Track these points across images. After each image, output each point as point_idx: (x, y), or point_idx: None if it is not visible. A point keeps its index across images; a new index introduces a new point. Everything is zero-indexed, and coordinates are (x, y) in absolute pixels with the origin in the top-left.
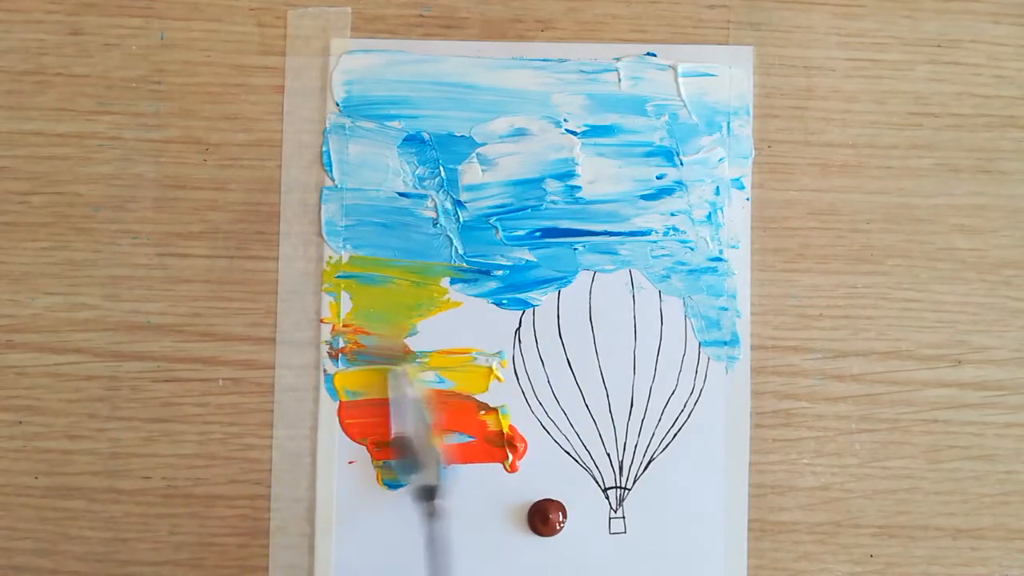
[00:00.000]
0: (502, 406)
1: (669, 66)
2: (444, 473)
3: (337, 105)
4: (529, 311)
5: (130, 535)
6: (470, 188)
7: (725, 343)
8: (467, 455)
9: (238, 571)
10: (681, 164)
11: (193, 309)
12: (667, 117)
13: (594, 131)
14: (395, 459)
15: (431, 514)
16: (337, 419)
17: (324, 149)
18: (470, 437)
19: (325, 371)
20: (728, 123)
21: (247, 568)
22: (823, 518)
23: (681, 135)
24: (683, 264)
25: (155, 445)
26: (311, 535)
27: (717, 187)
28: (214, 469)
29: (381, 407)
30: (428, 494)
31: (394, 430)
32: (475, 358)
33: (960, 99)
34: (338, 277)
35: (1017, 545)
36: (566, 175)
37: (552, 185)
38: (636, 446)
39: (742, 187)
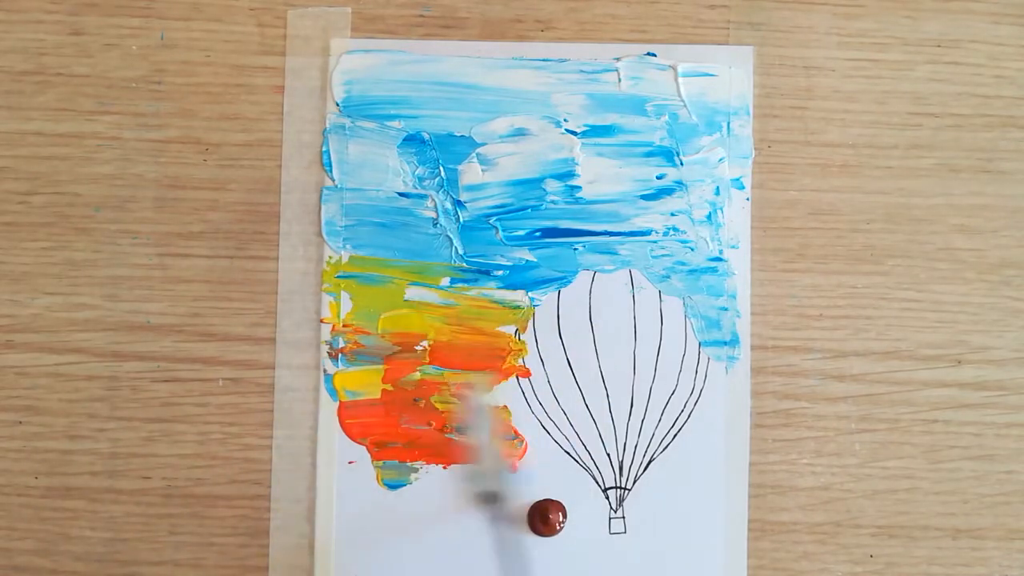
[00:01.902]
0: (504, 406)
1: (669, 66)
2: (507, 478)
3: (337, 105)
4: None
5: (130, 535)
6: (470, 188)
7: (725, 343)
8: (468, 455)
9: (238, 571)
10: (681, 164)
11: (193, 309)
12: (667, 117)
13: (594, 131)
14: (465, 466)
15: (495, 519)
16: (337, 419)
17: (324, 149)
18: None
19: (325, 371)
20: (728, 123)
21: (247, 568)
22: (823, 518)
23: (681, 135)
24: (683, 264)
25: (155, 445)
26: (311, 535)
27: (717, 187)
28: (214, 469)
29: (381, 407)
30: (492, 499)
31: (465, 438)
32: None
33: (960, 99)
34: (338, 277)
35: (1017, 545)
36: (566, 175)
37: (552, 185)
38: (636, 446)
39: (742, 187)
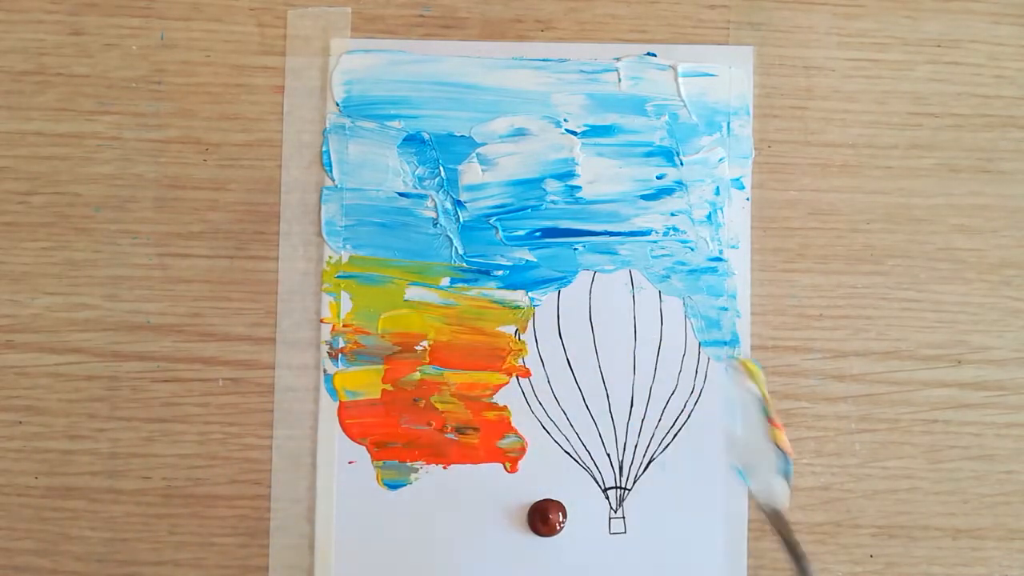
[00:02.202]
0: (504, 407)
1: (669, 66)
2: (787, 473)
3: (337, 105)
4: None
5: (130, 535)
6: (470, 188)
7: (725, 343)
8: (468, 455)
9: (238, 571)
10: (681, 164)
11: (193, 309)
12: (667, 117)
13: (594, 131)
14: (736, 461)
15: (781, 524)
16: (337, 419)
17: (324, 149)
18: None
19: (325, 371)
20: (728, 123)
21: (247, 568)
22: (823, 518)
23: (681, 135)
24: (683, 264)
25: (155, 445)
26: (311, 535)
27: (717, 187)
28: (214, 469)
29: (381, 407)
30: (772, 502)
31: (733, 430)
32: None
33: (960, 99)
34: (338, 277)
35: (1017, 545)
36: (566, 175)
37: (552, 185)
38: (636, 446)
39: (742, 187)
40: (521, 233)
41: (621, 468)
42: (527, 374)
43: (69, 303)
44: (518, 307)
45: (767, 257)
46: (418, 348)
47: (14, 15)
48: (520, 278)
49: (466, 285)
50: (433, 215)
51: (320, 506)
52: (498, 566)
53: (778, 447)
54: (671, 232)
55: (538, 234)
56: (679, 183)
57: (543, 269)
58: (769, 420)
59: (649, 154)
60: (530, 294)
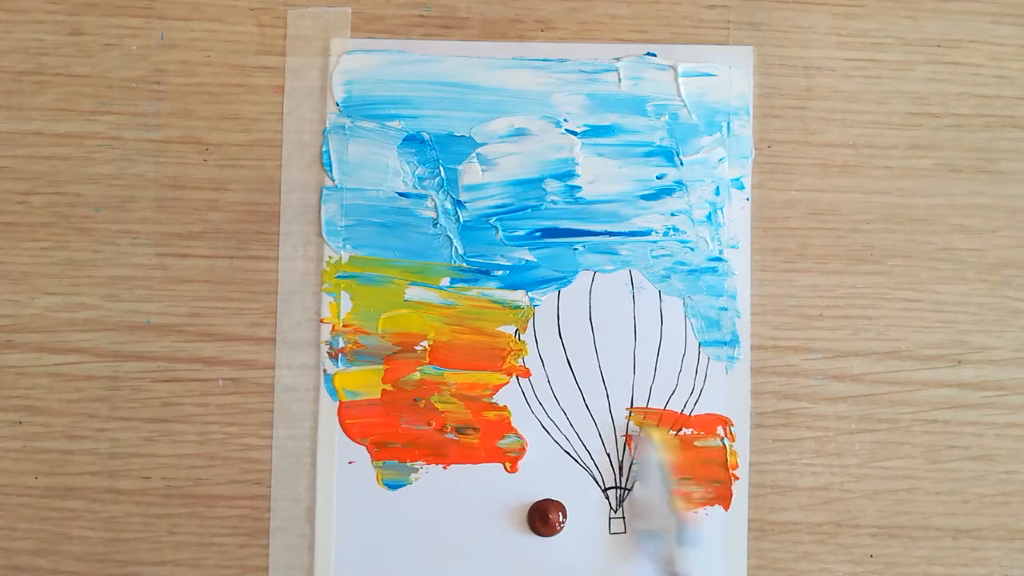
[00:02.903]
0: (504, 407)
1: (669, 66)
2: (685, 541)
3: (337, 105)
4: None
5: (130, 535)
6: (470, 188)
7: (725, 343)
8: (468, 455)
9: (238, 571)
10: (681, 164)
11: (193, 309)
12: (667, 117)
13: (594, 131)
14: (636, 525)
15: None
16: (337, 419)
17: (324, 149)
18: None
19: (325, 371)
20: (728, 123)
21: (247, 568)
22: (823, 518)
23: (681, 135)
24: (683, 264)
25: (155, 445)
26: (311, 535)
27: (717, 187)
28: (214, 469)
29: (381, 407)
30: (670, 564)
31: (637, 493)
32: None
33: (960, 99)
34: (338, 277)
35: (1017, 545)
36: (566, 175)
37: (552, 185)
38: (636, 446)
39: (742, 187)
40: (521, 233)
41: (621, 468)
42: (527, 374)
43: (69, 303)
44: (518, 307)
45: (767, 257)
46: (418, 348)
47: (14, 15)
48: (520, 278)
49: (466, 285)
50: (433, 215)
51: (320, 506)
52: (498, 566)
53: (679, 514)
54: (671, 232)
55: (538, 234)
56: (679, 183)
57: (543, 269)
58: (672, 488)
59: (649, 154)
60: (530, 294)
